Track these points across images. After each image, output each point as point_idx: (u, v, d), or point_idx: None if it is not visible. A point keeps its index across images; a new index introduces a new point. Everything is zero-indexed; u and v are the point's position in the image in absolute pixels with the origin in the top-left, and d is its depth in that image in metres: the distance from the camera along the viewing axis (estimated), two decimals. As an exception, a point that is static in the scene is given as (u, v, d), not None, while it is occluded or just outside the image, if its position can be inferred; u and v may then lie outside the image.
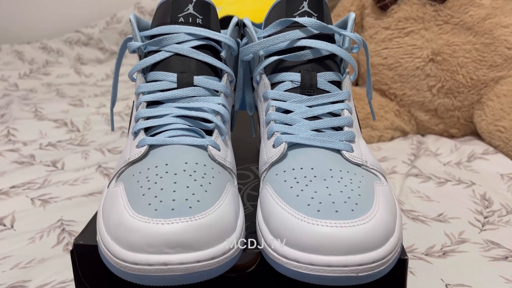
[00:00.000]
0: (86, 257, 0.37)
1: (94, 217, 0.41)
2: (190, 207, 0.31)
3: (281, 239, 0.32)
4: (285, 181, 0.35)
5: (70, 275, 0.53)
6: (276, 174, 0.37)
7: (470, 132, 0.91)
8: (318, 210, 0.32)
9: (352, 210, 0.32)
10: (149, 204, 0.32)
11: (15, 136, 0.94)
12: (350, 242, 0.30)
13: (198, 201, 0.32)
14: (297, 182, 0.35)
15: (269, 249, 0.33)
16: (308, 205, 0.32)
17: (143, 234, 0.30)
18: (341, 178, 0.35)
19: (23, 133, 0.95)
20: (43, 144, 0.90)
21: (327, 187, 0.34)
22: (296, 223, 0.31)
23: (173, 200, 0.32)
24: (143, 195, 0.33)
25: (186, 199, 0.32)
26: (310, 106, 0.40)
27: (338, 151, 0.38)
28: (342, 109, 0.40)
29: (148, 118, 0.39)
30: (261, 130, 0.43)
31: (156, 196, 0.32)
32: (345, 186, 0.34)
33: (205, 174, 0.35)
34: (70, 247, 0.58)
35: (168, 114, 0.39)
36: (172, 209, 0.31)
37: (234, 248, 0.33)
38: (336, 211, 0.31)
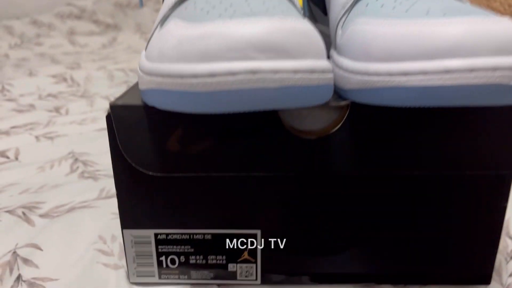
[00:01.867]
0: (127, 120, 0.29)
1: (135, 86, 0.33)
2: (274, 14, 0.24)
3: (394, 58, 0.24)
4: (382, 6, 0.28)
5: (92, 195, 0.45)
6: (367, 5, 0.29)
7: None
8: (445, 14, 0.24)
9: (483, 14, 0.24)
10: (220, 15, 0.24)
11: (10, 92, 0.85)
12: (499, 39, 0.22)
13: (282, 11, 0.24)
14: (400, 3, 0.27)
15: (376, 77, 0.25)
16: (427, 13, 0.25)
17: (220, 37, 0.22)
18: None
19: (19, 88, 0.86)
20: (43, 95, 0.81)
21: (437, 3, 0.26)
22: (416, 31, 0.24)
23: (250, 10, 0.24)
24: (208, 12, 0.25)
25: (267, 9, 0.24)
26: None
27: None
28: None
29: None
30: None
31: (226, 9, 0.25)
32: (459, 1, 0.26)
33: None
34: (87, 175, 0.50)
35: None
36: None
37: (330, 76, 0.25)
38: (466, 13, 0.24)
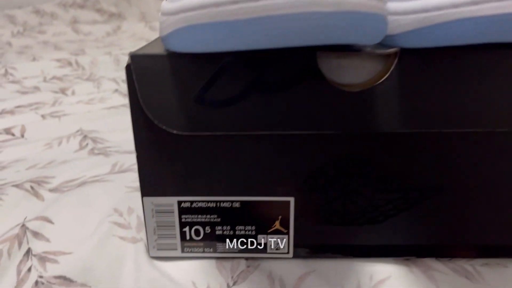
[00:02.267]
0: (149, 72, 0.26)
1: (155, 40, 0.31)
2: None
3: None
4: None
5: (104, 170, 0.42)
6: None
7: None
8: None
9: None
10: None
11: (13, 75, 0.82)
12: None
13: None
14: None
15: (437, 12, 0.22)
16: None
17: None
18: None
19: (23, 72, 0.83)
20: (48, 78, 0.78)
21: None
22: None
23: None
24: None
25: None
26: None
27: None
28: None
29: None
30: None
31: None
32: None
33: None
34: (97, 151, 0.47)
35: None
36: None
37: (385, 8, 0.22)
38: None
